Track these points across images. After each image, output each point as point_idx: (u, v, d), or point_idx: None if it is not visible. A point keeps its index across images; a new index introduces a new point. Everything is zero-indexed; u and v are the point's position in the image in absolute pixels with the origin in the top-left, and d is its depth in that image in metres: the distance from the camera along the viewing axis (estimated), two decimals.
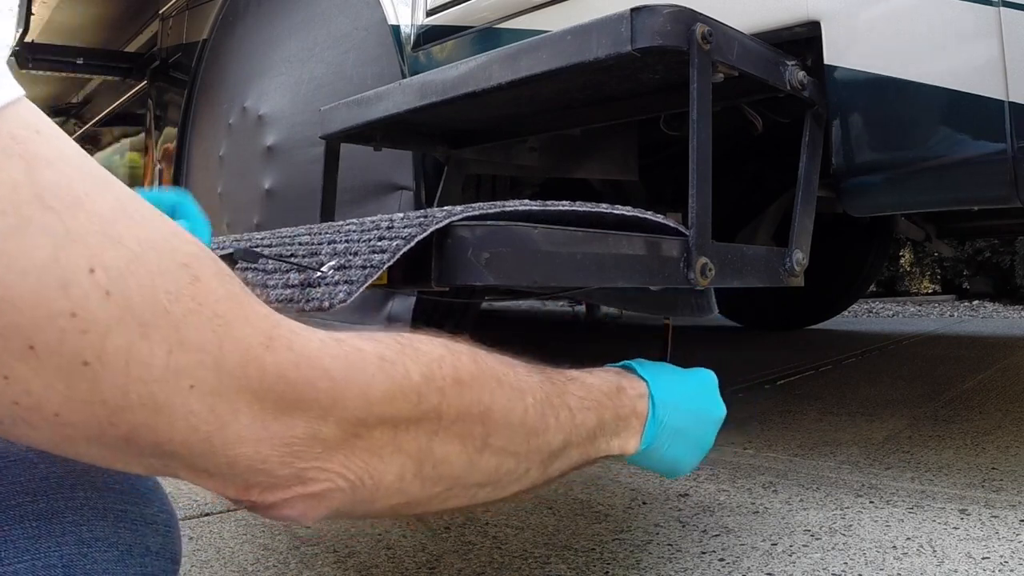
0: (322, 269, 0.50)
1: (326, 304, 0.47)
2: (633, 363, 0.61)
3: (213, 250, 0.55)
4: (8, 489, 0.37)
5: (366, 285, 0.46)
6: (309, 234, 0.61)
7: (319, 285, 0.50)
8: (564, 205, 0.56)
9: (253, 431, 0.31)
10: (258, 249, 0.65)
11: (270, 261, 0.59)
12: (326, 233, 0.58)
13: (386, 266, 0.46)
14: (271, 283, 0.56)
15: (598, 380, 0.56)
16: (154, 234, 0.29)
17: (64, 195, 0.26)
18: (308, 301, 0.49)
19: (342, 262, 0.50)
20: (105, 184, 0.28)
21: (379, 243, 0.48)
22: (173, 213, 0.52)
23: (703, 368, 0.66)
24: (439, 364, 0.39)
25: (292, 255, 0.58)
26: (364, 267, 0.47)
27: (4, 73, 0.26)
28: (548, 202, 0.56)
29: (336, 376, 0.34)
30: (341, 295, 0.46)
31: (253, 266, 0.62)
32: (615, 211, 0.58)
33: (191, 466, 0.31)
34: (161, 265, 0.28)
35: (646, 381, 0.59)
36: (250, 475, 0.32)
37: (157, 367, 0.28)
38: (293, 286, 0.53)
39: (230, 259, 0.62)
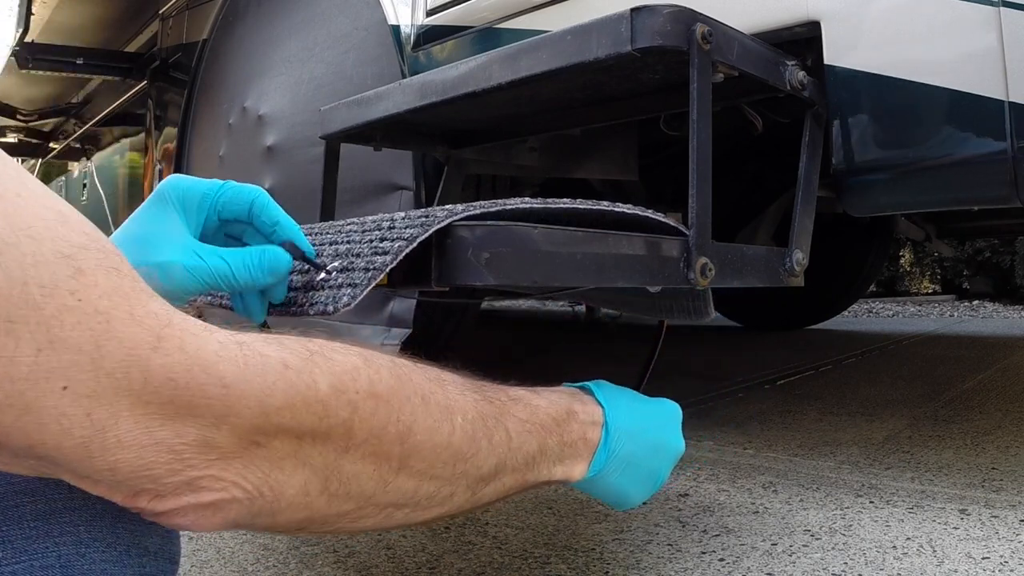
0: (326, 270, 0.50)
1: (330, 308, 0.47)
2: (592, 385, 0.59)
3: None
4: (6, 489, 0.37)
5: (369, 288, 0.46)
6: (311, 233, 0.61)
7: (322, 288, 0.50)
8: (565, 203, 0.56)
9: (136, 437, 0.29)
10: None
11: None
12: (327, 233, 0.58)
13: (388, 268, 0.46)
14: None
15: (545, 403, 0.53)
16: (34, 220, 0.27)
17: None
18: (312, 304, 0.49)
19: (345, 264, 0.50)
20: None
21: (381, 244, 0.48)
22: (251, 208, 0.52)
23: (668, 400, 0.63)
24: (352, 376, 0.37)
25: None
26: (367, 269, 0.47)
27: None
28: (549, 200, 0.56)
29: (230, 382, 0.32)
30: (345, 299, 0.46)
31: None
32: (615, 209, 0.58)
33: (71, 471, 0.30)
34: (37, 255, 0.26)
35: (602, 407, 0.56)
36: (135, 482, 0.30)
37: (24, 366, 0.26)
38: (296, 288, 0.53)
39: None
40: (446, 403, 0.42)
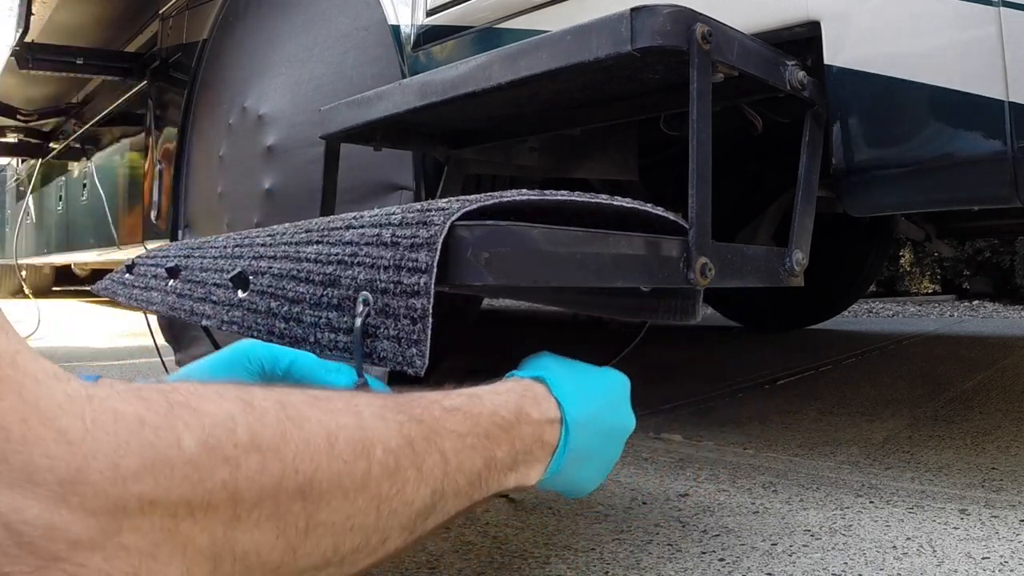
0: (357, 317, 0.49)
1: (410, 372, 0.45)
2: (542, 370, 0.54)
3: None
4: None
5: (430, 339, 0.45)
6: (310, 242, 0.60)
7: (377, 337, 0.49)
8: (562, 195, 0.56)
9: None
10: (264, 264, 0.65)
11: (289, 288, 0.59)
12: (329, 243, 0.58)
13: (431, 309, 0.45)
14: (305, 319, 0.55)
15: (489, 408, 0.47)
16: None
17: None
18: (380, 359, 0.48)
19: (380, 304, 0.49)
20: None
21: (401, 278, 0.48)
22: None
23: (614, 371, 0.59)
24: (227, 428, 0.31)
25: (308, 278, 0.57)
26: (412, 319, 0.46)
27: None
28: (546, 192, 0.55)
29: (74, 439, 0.26)
30: (418, 361, 0.45)
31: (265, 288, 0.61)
32: (613, 203, 0.58)
33: None
34: None
35: (558, 401, 0.51)
36: None
37: None
38: (346, 330, 0.51)
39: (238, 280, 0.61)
40: (360, 436, 0.36)
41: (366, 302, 0.49)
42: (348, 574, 0.37)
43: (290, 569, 0.33)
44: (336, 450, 0.34)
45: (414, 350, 0.46)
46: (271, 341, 0.57)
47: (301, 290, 0.57)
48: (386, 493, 0.37)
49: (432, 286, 0.46)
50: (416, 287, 0.47)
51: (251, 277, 0.64)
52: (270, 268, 0.63)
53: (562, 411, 0.51)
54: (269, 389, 0.36)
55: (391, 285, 0.49)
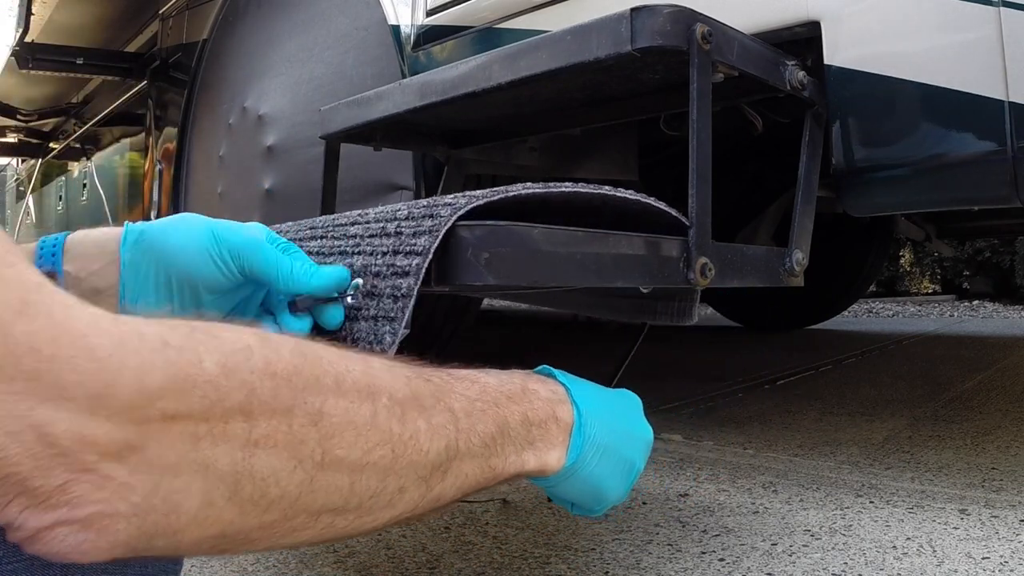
0: (348, 296, 0.51)
1: (377, 349, 0.47)
2: (547, 368, 0.53)
3: None
4: None
5: (407, 319, 0.46)
6: (314, 237, 0.60)
7: (357, 319, 0.50)
8: (567, 187, 0.56)
9: None
10: None
11: None
12: (334, 237, 0.58)
13: (415, 291, 0.46)
14: None
15: (495, 380, 0.46)
16: None
17: None
18: (355, 339, 0.50)
19: (368, 287, 0.50)
20: None
21: (395, 261, 0.48)
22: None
23: (625, 390, 0.58)
24: (244, 355, 0.32)
25: None
26: (395, 297, 0.47)
27: None
28: (551, 184, 0.56)
29: (103, 356, 0.27)
30: (388, 338, 0.46)
31: None
32: (618, 194, 0.58)
33: None
34: None
35: (565, 385, 0.50)
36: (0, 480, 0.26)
37: None
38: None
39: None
40: (367, 382, 0.37)
41: (356, 288, 0.50)
42: (369, 525, 0.37)
43: (309, 503, 0.34)
44: (343, 389, 0.35)
45: (387, 327, 0.47)
46: None
47: None
48: (398, 436, 0.37)
49: (423, 268, 0.46)
50: (407, 268, 0.47)
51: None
52: None
53: (571, 396, 0.50)
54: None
55: (384, 268, 0.49)
